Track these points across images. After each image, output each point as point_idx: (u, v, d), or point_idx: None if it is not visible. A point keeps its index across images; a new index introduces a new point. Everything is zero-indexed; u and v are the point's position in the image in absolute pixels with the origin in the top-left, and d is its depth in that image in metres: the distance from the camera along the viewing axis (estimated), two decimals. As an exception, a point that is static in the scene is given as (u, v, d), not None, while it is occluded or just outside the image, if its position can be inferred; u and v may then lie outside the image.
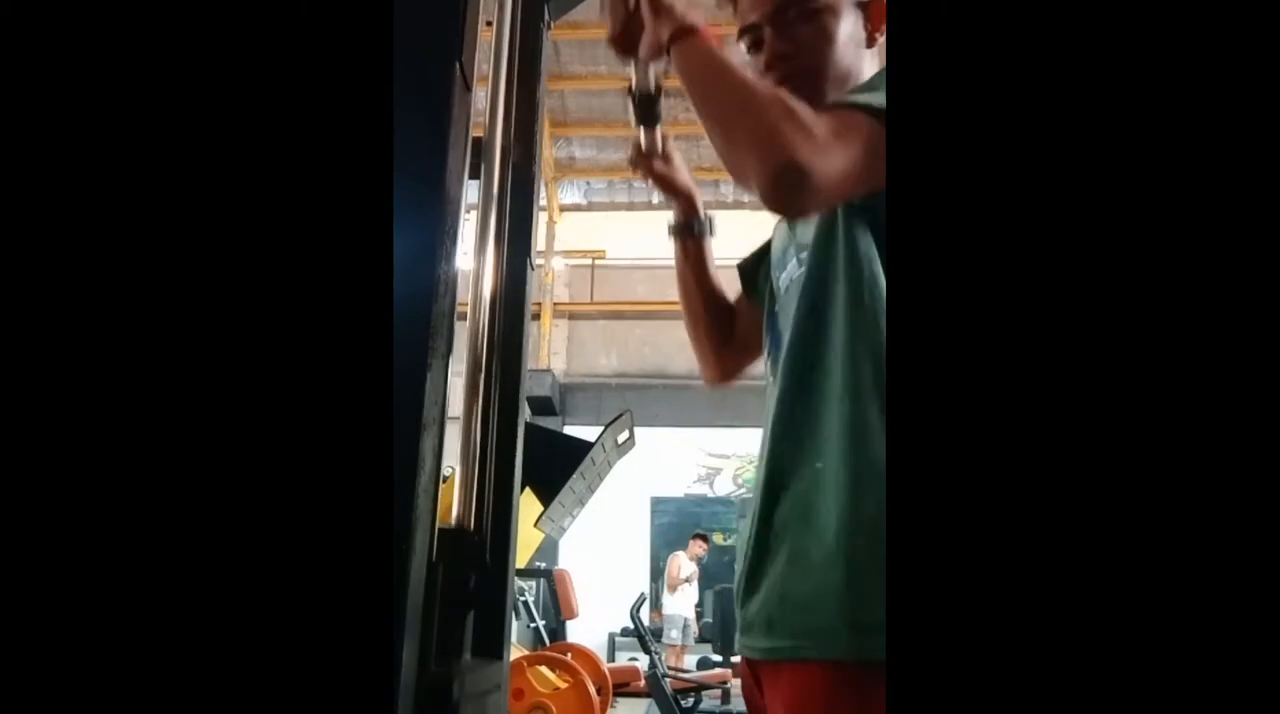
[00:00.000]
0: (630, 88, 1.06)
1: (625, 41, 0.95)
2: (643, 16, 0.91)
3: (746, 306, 1.14)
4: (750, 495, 0.96)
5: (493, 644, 0.94)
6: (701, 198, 1.18)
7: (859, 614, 0.77)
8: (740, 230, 1.26)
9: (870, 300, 0.85)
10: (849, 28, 0.96)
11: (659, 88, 1.06)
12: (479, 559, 0.90)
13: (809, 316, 0.90)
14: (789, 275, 0.97)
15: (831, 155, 0.75)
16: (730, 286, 1.18)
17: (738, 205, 8.53)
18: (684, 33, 0.86)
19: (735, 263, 1.16)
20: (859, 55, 0.97)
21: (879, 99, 0.78)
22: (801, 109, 0.77)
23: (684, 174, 1.16)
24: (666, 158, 1.14)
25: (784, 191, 0.76)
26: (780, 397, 0.93)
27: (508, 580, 1.02)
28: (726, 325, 1.17)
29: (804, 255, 0.94)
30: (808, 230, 0.94)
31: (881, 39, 0.98)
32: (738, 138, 0.79)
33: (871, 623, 0.75)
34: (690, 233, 1.16)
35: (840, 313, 0.87)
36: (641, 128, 1.10)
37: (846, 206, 0.86)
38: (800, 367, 0.90)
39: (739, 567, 0.94)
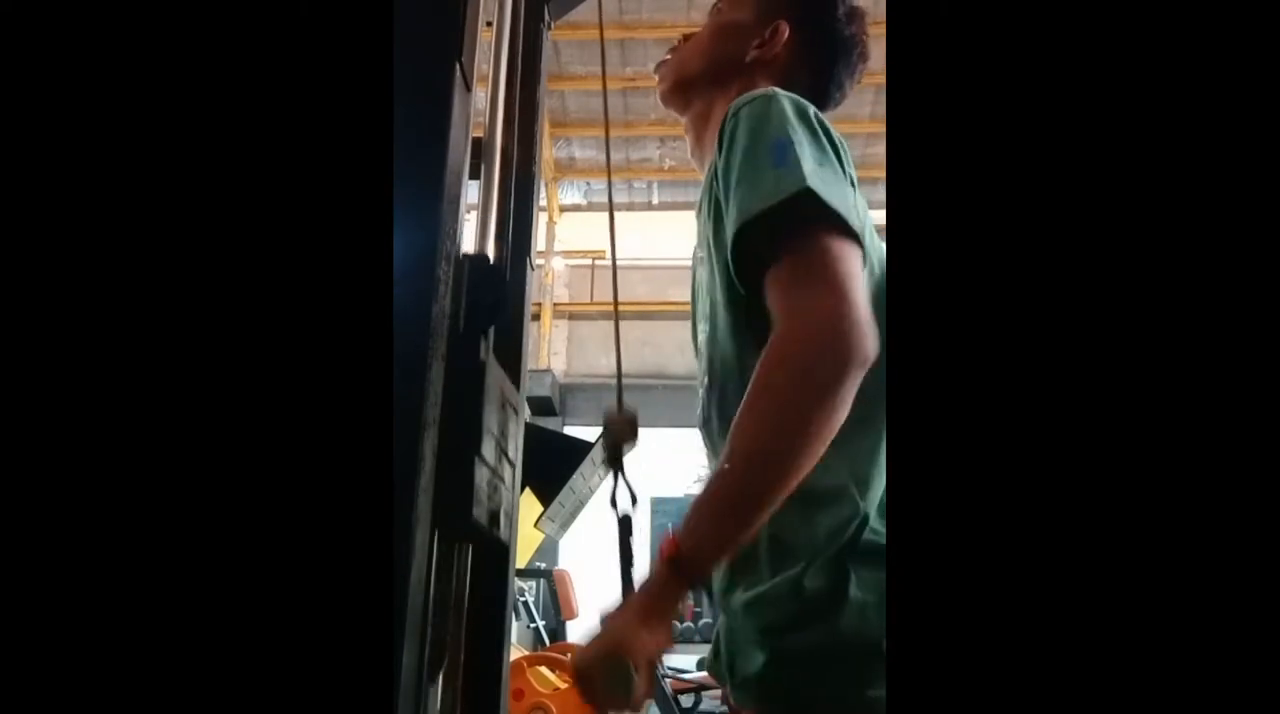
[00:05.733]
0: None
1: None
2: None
3: None
4: None
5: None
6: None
7: (806, 674, 0.77)
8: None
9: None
10: (734, 31, 1.02)
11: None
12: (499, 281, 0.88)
13: (720, 377, 0.90)
14: (700, 334, 0.98)
15: (844, 309, 0.69)
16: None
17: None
18: (674, 573, 0.73)
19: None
20: (740, 58, 1.00)
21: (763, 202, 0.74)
22: (788, 353, 0.70)
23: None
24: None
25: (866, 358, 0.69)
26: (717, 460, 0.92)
27: (509, 582, 1.01)
28: None
29: (704, 325, 0.95)
30: (705, 299, 0.94)
31: (770, 54, 1.00)
32: (825, 420, 0.70)
33: (818, 680, 0.76)
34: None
35: (744, 372, 0.83)
36: None
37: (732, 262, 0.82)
38: (718, 422, 0.89)
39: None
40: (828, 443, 0.70)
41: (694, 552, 0.72)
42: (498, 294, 0.85)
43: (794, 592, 0.78)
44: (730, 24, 1.03)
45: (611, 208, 1.17)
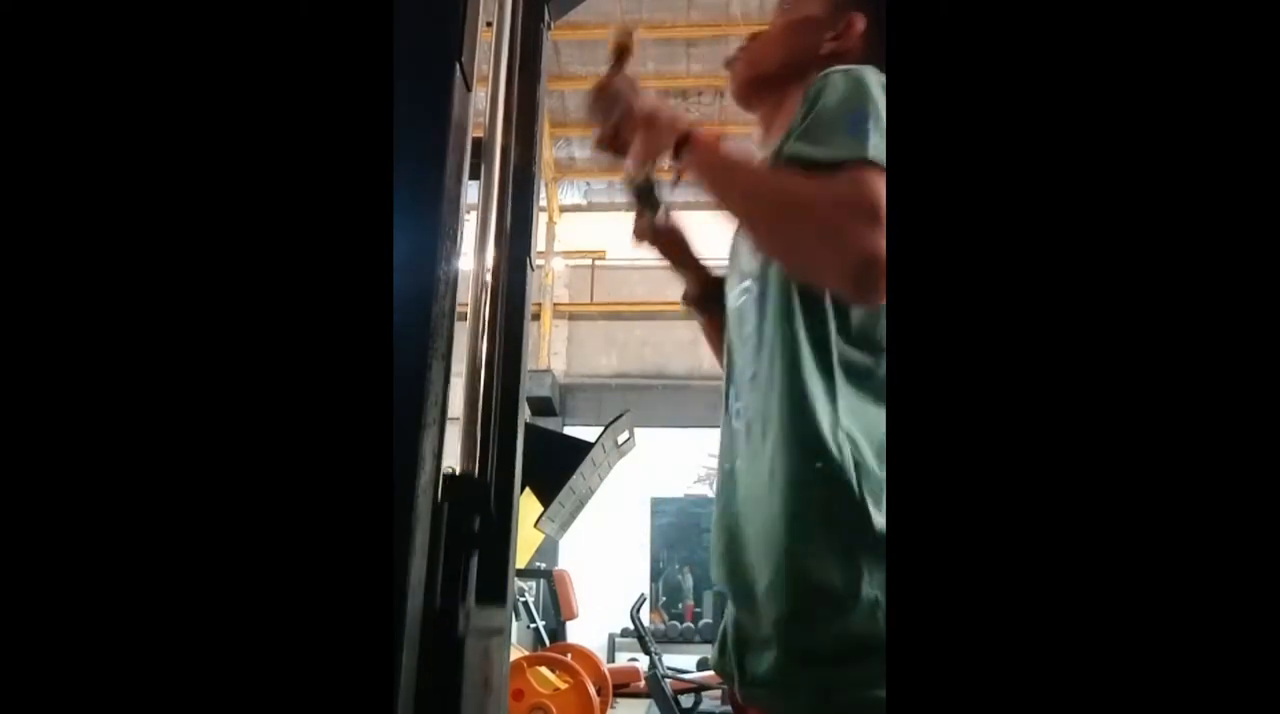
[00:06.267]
0: (627, 180, 1.06)
1: (616, 144, 0.96)
2: (631, 120, 0.92)
3: None
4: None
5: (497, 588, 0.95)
6: (709, 267, 1.16)
7: (817, 672, 0.77)
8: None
9: (816, 326, 0.84)
10: (810, 27, 1.02)
11: (654, 179, 1.05)
12: (483, 502, 0.91)
13: (757, 349, 0.90)
14: (735, 300, 0.99)
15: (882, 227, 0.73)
16: None
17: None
18: (687, 141, 0.87)
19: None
20: (816, 51, 1.01)
21: (859, 148, 0.77)
22: (845, 189, 0.75)
23: (692, 246, 1.14)
24: (672, 232, 1.12)
25: (867, 286, 0.75)
26: (735, 428, 0.93)
27: (508, 579, 1.02)
28: None
29: (747, 283, 0.95)
30: (751, 259, 0.95)
31: (832, 47, 1.01)
32: (798, 240, 0.79)
33: (829, 679, 0.76)
34: (710, 304, 1.13)
35: (788, 344, 0.85)
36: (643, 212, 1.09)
37: None
38: (754, 399, 0.89)
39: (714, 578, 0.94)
40: (789, 260, 0.83)
41: (699, 152, 0.87)
42: (483, 515, 0.88)
43: (806, 589, 0.78)
44: (804, 19, 1.03)
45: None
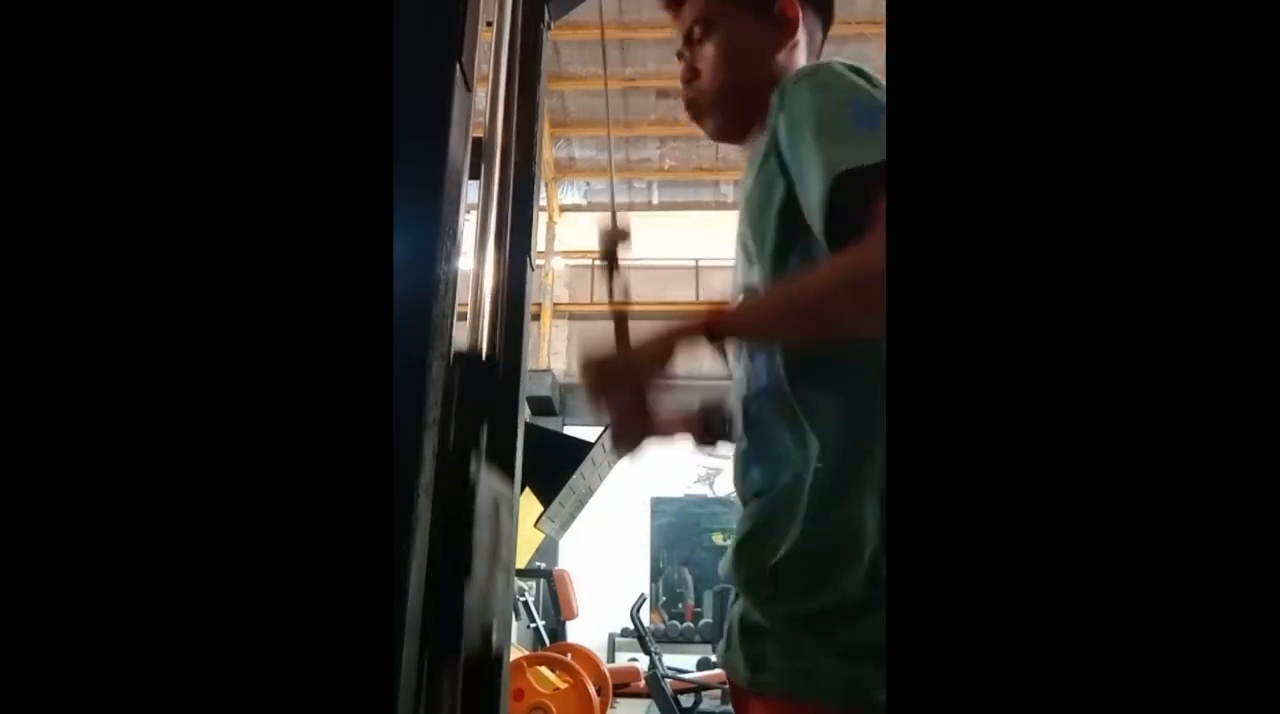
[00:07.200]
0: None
1: (634, 431, 0.93)
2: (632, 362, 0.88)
3: None
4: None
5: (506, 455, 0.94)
6: (695, 430, 1.01)
7: (841, 654, 0.76)
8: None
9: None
10: (751, 39, 0.98)
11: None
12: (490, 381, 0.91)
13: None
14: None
15: None
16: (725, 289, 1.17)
17: (738, 206, 8.54)
18: (709, 325, 0.83)
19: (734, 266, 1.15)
20: (773, 58, 0.98)
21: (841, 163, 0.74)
22: (853, 268, 0.72)
23: (680, 411, 1.00)
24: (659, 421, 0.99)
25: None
26: (751, 423, 0.92)
27: (508, 581, 1.02)
28: None
29: (752, 282, 0.93)
30: (750, 271, 0.93)
31: (797, 38, 0.99)
32: (831, 324, 0.78)
33: (856, 660, 0.74)
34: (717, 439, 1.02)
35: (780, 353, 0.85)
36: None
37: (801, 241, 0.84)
38: (765, 393, 0.89)
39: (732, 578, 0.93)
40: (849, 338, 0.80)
41: (727, 324, 0.84)
42: (490, 395, 0.87)
43: (822, 559, 0.78)
44: (739, 43, 0.99)
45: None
